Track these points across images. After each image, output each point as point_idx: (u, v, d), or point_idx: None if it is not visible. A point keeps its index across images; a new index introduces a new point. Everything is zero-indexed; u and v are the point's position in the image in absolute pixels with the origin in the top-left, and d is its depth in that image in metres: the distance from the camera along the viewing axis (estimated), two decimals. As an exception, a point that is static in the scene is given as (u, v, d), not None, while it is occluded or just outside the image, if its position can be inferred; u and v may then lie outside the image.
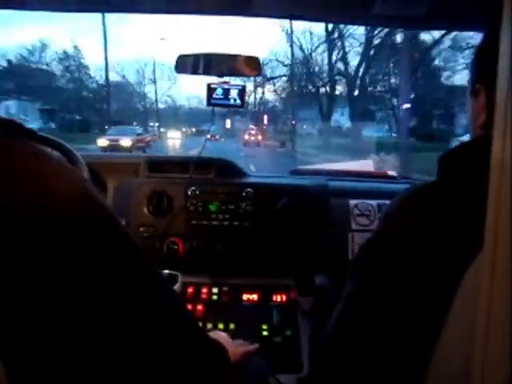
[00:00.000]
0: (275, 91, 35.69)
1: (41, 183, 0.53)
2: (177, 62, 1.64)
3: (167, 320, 0.66)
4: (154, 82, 41.12)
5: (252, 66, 1.61)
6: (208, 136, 2.43)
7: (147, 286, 0.63)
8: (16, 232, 0.50)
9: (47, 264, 0.51)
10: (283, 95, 35.46)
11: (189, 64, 1.63)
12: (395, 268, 0.74)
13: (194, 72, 1.63)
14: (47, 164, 0.56)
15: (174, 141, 36.99)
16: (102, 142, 21.27)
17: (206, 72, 1.64)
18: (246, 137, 31.62)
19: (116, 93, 37.35)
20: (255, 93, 37.57)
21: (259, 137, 31.61)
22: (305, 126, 38.22)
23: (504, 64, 0.43)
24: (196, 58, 1.62)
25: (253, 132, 32.90)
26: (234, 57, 1.62)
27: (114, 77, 38.13)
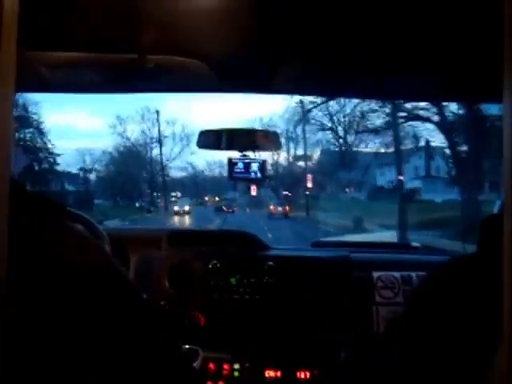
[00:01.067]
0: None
1: (65, 257, 0.55)
2: (199, 137, 1.69)
3: None
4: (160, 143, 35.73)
5: (272, 140, 1.66)
6: (224, 208, 2.46)
7: (163, 360, 0.62)
8: (40, 304, 0.51)
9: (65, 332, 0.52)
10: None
11: (211, 140, 1.69)
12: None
13: (217, 147, 1.68)
14: (71, 239, 0.58)
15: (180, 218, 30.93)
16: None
17: (228, 147, 1.69)
18: (272, 207, 27.64)
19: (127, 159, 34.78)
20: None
21: (287, 207, 27.70)
22: (347, 190, 34.47)
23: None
24: (218, 133, 1.68)
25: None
26: (255, 132, 1.67)
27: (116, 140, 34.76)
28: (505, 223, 0.47)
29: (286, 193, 31.46)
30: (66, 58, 0.99)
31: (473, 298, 0.69)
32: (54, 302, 0.52)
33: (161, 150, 34.59)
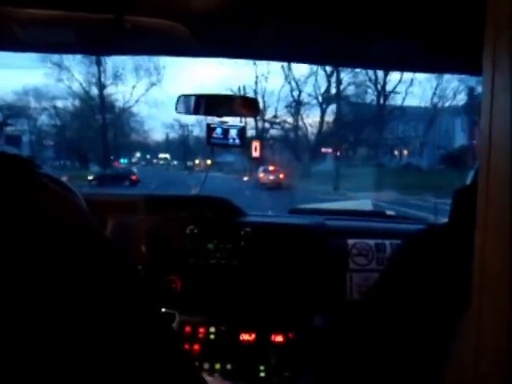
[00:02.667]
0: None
1: (42, 214, 0.54)
2: (177, 101, 1.67)
3: (163, 360, 0.65)
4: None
5: (250, 107, 1.65)
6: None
7: (145, 323, 0.63)
8: (15, 262, 0.50)
9: (45, 292, 0.52)
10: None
11: (190, 105, 1.67)
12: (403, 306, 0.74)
13: (196, 112, 1.66)
14: (49, 195, 0.57)
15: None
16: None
17: (207, 113, 1.67)
18: (261, 175, 22.02)
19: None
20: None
21: (281, 175, 22.08)
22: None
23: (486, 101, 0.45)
24: (197, 98, 1.66)
25: (271, 168, 22.49)
26: (233, 98, 1.66)
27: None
28: (478, 194, 0.48)
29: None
30: (39, 16, 0.96)
31: (443, 266, 0.71)
32: (33, 264, 0.51)
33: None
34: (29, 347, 0.52)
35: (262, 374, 1.59)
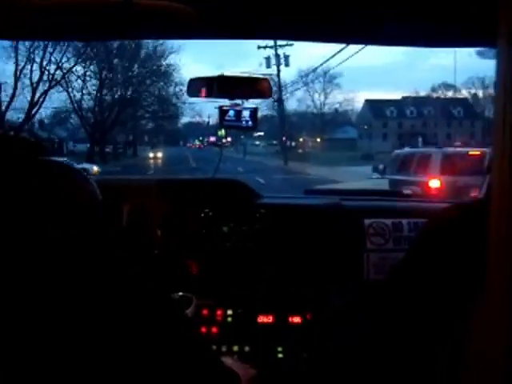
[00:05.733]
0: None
1: (55, 195, 0.54)
2: (189, 85, 1.66)
3: (180, 347, 0.65)
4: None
5: (262, 87, 1.63)
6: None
7: (158, 312, 0.63)
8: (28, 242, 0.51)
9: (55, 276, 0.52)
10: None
11: (201, 87, 1.65)
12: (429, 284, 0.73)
13: (208, 95, 1.65)
14: (62, 179, 0.58)
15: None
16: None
17: (219, 95, 1.66)
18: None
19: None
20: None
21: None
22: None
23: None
24: (209, 81, 1.65)
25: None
26: (244, 79, 1.64)
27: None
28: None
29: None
30: (47, 2, 0.95)
31: (472, 246, 0.69)
32: (38, 253, 0.51)
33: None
34: (42, 334, 0.52)
35: (280, 356, 1.60)
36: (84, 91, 29.57)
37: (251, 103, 1.79)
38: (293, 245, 1.74)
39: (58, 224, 0.54)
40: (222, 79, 1.65)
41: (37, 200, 0.54)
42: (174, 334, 0.65)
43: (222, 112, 1.73)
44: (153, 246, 1.78)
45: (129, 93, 31.16)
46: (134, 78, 31.15)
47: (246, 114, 1.72)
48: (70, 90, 28.61)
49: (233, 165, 23.55)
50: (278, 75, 31.03)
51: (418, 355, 0.73)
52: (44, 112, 29.00)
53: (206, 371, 0.69)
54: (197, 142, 62.99)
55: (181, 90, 30.17)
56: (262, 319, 1.70)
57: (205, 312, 1.71)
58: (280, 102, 31.87)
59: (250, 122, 1.73)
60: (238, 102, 1.72)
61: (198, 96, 1.70)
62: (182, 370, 0.64)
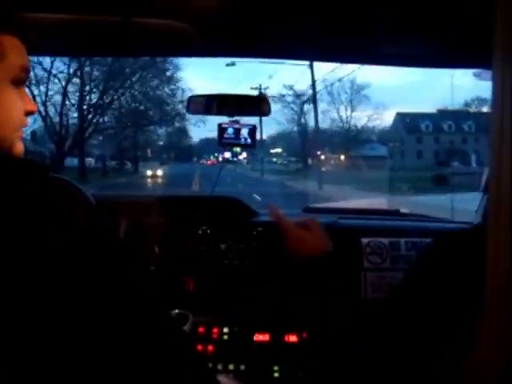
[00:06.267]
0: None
1: (59, 209, 0.55)
2: (188, 102, 1.68)
3: (176, 361, 0.65)
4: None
5: (261, 106, 1.65)
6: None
7: (154, 326, 0.63)
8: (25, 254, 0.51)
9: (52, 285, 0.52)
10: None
11: (201, 105, 1.67)
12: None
13: (207, 113, 1.67)
14: (65, 194, 0.58)
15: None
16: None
17: (218, 112, 1.67)
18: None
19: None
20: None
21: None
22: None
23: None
24: (209, 98, 1.66)
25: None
26: (243, 97, 1.65)
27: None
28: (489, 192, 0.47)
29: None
30: (47, 20, 0.96)
31: (474, 269, 0.69)
32: (43, 254, 0.52)
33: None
34: (41, 337, 0.52)
35: (276, 375, 1.58)
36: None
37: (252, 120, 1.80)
38: (289, 263, 1.74)
39: (58, 227, 0.54)
40: (221, 97, 1.67)
41: (37, 203, 0.54)
42: (171, 347, 0.65)
43: (221, 130, 1.74)
44: (150, 262, 1.78)
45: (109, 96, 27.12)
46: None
47: (244, 131, 1.73)
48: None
49: (248, 187, 21.19)
50: (313, 84, 29.61)
51: (416, 374, 0.73)
52: (37, 124, 25.15)
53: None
54: (212, 158, 61.15)
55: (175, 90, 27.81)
56: (258, 337, 1.69)
57: (201, 329, 1.70)
58: (315, 111, 29.86)
59: (248, 140, 1.74)
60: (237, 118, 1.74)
61: (197, 113, 1.71)
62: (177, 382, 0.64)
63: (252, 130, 1.73)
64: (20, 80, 0.73)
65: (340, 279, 1.72)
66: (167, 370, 0.62)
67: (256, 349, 1.66)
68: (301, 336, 1.69)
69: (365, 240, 1.77)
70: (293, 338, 1.68)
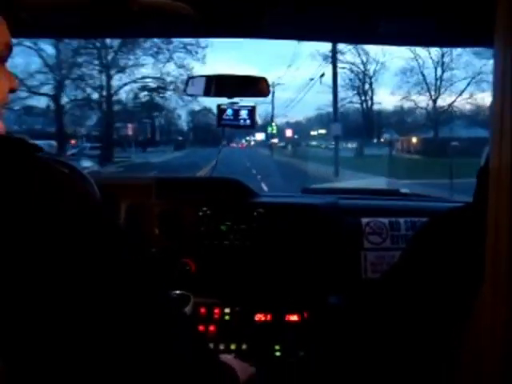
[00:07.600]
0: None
1: (52, 197, 0.54)
2: (187, 83, 1.66)
3: (177, 342, 0.65)
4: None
5: (260, 86, 1.63)
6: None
7: (155, 308, 0.63)
8: (22, 243, 0.51)
9: (50, 276, 0.52)
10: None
11: (200, 86, 1.66)
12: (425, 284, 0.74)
13: (206, 94, 1.65)
14: (59, 180, 0.57)
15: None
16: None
17: (218, 94, 1.66)
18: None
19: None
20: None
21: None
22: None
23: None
24: (208, 79, 1.65)
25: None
26: (243, 78, 1.64)
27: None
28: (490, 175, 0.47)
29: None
30: (48, 1, 0.95)
31: (468, 247, 0.70)
32: (38, 251, 0.51)
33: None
34: (42, 331, 0.52)
35: (278, 354, 1.60)
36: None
37: (251, 101, 1.79)
38: (290, 244, 1.75)
39: (41, 210, 0.53)
40: (220, 78, 1.66)
41: (19, 184, 0.54)
42: (172, 328, 0.65)
43: (220, 111, 1.73)
44: (150, 244, 1.78)
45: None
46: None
47: (243, 112, 1.72)
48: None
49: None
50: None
51: (414, 353, 0.73)
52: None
53: (203, 367, 0.70)
54: (243, 141, 56.57)
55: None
56: (259, 317, 1.70)
57: (202, 310, 1.71)
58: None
59: (247, 121, 1.73)
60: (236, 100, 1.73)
61: (196, 94, 1.70)
62: (180, 366, 0.64)
63: (251, 111, 1.72)
64: (3, 57, 0.72)
65: (340, 259, 1.73)
66: (168, 351, 0.62)
67: (257, 329, 1.68)
68: (302, 315, 1.70)
69: (365, 220, 1.77)
70: (294, 318, 1.70)
